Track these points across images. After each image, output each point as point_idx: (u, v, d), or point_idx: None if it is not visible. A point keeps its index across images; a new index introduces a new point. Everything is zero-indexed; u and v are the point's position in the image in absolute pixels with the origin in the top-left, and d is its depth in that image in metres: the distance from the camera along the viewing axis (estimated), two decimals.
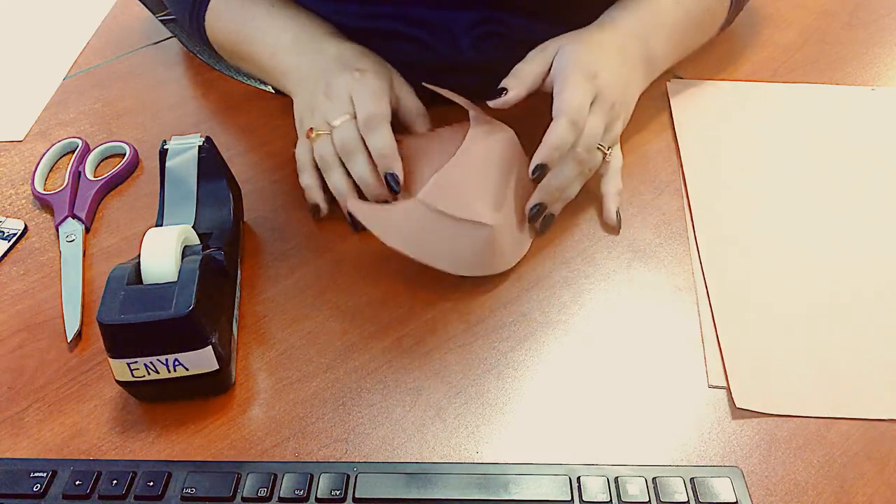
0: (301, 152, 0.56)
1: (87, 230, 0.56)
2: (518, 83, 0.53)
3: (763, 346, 0.46)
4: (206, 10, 0.61)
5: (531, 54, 0.55)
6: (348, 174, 0.53)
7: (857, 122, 0.62)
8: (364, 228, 0.51)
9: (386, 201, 0.53)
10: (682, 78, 0.67)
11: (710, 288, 0.50)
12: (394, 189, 0.52)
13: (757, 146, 0.60)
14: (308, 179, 0.56)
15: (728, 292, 0.50)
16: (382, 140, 0.52)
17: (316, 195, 0.55)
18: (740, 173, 0.58)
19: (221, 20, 0.61)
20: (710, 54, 0.69)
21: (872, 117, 0.62)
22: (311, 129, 0.54)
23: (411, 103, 0.57)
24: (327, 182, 0.54)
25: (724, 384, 0.45)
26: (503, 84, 0.54)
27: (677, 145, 0.60)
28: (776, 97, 0.65)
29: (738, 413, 0.43)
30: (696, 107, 0.64)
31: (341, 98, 0.53)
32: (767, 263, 0.51)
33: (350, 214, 0.53)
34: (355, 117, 0.53)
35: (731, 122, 0.62)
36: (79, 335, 0.49)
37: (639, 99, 0.58)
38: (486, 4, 0.58)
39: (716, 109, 0.64)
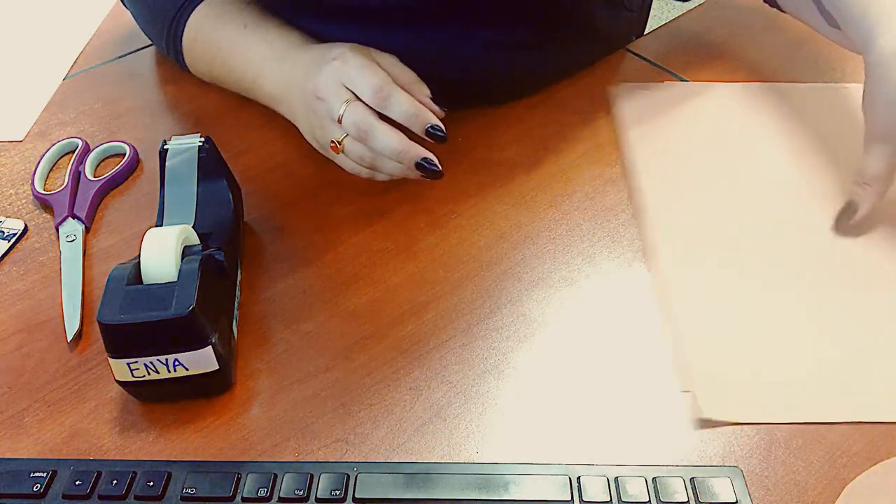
0: (349, 166, 0.54)
1: (87, 230, 0.56)
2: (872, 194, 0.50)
3: (727, 355, 0.46)
4: (182, 40, 0.61)
5: (869, 143, 0.51)
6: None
7: (810, 120, 0.61)
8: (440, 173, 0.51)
9: (434, 166, 0.51)
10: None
11: (673, 300, 0.49)
12: (441, 138, 0.50)
13: (707, 147, 0.60)
14: (386, 175, 0.53)
15: (690, 304, 0.49)
16: (403, 103, 0.50)
17: (411, 172, 0.52)
18: (695, 180, 0.57)
19: (197, 47, 0.60)
20: (711, 56, 0.69)
21: (825, 114, 0.62)
22: (332, 142, 0.52)
23: (400, 71, 0.54)
24: (383, 173, 0.53)
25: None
26: (853, 196, 0.51)
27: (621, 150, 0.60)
28: (724, 97, 0.64)
29: None
30: (643, 111, 0.63)
31: (334, 90, 0.51)
32: (730, 273, 0.50)
33: (425, 163, 0.51)
34: (357, 99, 0.51)
35: (681, 124, 0.62)
36: (79, 335, 0.49)
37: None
38: (483, 22, 0.58)
39: (667, 112, 0.63)
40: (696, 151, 0.60)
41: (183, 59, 0.62)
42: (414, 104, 0.51)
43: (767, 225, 0.54)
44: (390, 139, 0.50)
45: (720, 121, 0.62)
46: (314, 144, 0.56)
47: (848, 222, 0.52)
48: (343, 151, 0.52)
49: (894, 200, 0.52)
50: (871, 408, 0.43)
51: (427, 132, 0.51)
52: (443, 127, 0.51)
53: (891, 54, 0.48)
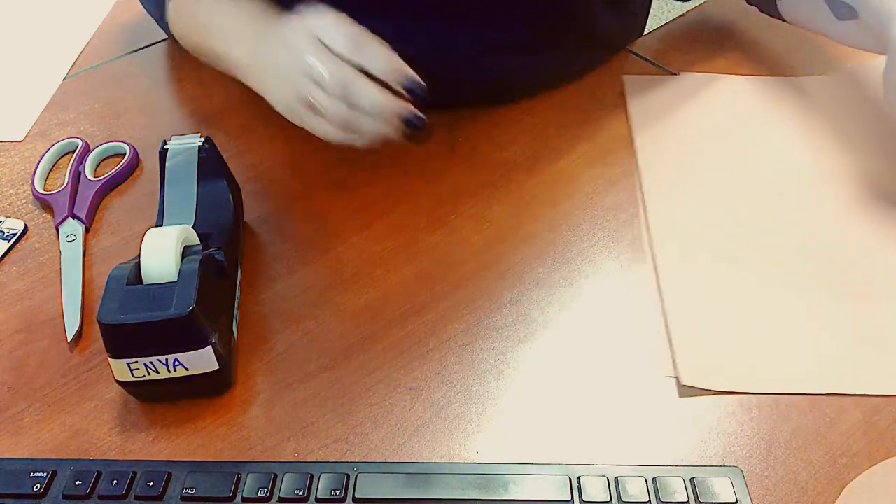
0: (323, 129, 0.48)
1: (87, 230, 0.56)
2: None
3: (709, 327, 0.47)
4: (166, 9, 0.61)
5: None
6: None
7: (810, 112, 0.62)
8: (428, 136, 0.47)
9: (422, 121, 0.47)
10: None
11: (659, 272, 0.50)
12: (419, 94, 0.46)
13: (712, 138, 0.60)
14: (364, 139, 0.48)
15: (677, 275, 0.50)
16: (379, 51, 0.46)
17: (394, 131, 0.48)
18: (698, 172, 0.58)
19: (181, 17, 0.60)
20: (711, 55, 0.69)
21: (826, 107, 0.62)
22: (307, 103, 0.47)
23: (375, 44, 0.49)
24: (366, 133, 0.48)
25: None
26: None
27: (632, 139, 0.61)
28: (731, 88, 0.65)
29: (738, 413, 0.43)
30: (651, 102, 0.64)
31: (303, 41, 0.47)
32: (720, 249, 0.52)
33: (413, 118, 0.47)
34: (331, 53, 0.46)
35: (686, 114, 0.62)
36: (79, 335, 0.49)
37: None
38: (483, 17, 0.58)
39: (672, 103, 0.64)
40: (700, 143, 0.60)
41: (170, 32, 0.62)
42: (392, 56, 0.47)
43: (765, 216, 0.54)
44: (374, 93, 0.46)
45: (727, 113, 0.63)
46: (284, 109, 0.50)
47: None
48: (319, 110, 0.48)
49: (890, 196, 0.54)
50: (853, 381, 0.44)
51: (405, 87, 0.46)
52: (422, 83, 0.46)
53: None
